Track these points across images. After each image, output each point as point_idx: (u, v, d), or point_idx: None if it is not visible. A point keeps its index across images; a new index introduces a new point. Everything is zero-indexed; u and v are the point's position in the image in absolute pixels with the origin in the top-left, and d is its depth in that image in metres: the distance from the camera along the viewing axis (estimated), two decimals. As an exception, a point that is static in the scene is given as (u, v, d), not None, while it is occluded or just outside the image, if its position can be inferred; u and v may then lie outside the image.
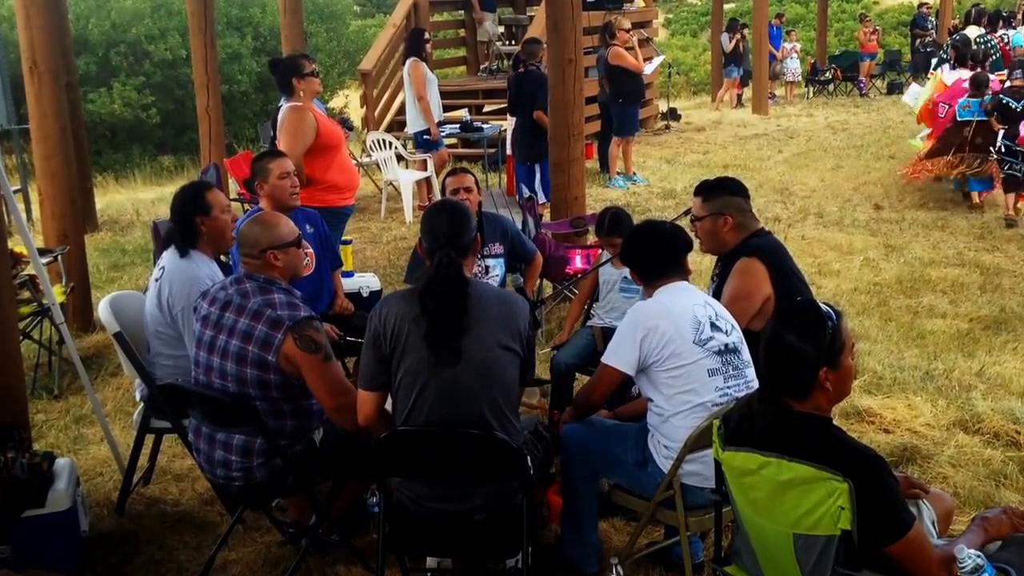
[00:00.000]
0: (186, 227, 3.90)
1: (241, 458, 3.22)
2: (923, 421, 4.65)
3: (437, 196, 9.99)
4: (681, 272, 3.36)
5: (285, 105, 5.70)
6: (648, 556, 3.54)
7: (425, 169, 9.86)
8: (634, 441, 3.29)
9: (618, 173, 11.52)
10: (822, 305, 2.48)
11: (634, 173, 11.63)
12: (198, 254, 3.89)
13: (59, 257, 5.94)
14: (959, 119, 9.22)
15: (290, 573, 3.36)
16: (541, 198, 8.11)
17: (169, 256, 3.93)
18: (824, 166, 12.41)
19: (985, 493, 3.96)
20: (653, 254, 3.34)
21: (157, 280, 3.91)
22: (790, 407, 2.44)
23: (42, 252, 5.61)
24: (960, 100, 9.30)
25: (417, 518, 3.04)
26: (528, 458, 3.09)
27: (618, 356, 3.20)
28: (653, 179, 11.64)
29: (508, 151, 9.36)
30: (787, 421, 2.43)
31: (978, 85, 9.18)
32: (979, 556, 2.27)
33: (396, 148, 10.21)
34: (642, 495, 3.28)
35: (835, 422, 4.54)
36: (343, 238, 5.80)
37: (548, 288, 6.22)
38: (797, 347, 2.39)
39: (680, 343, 3.12)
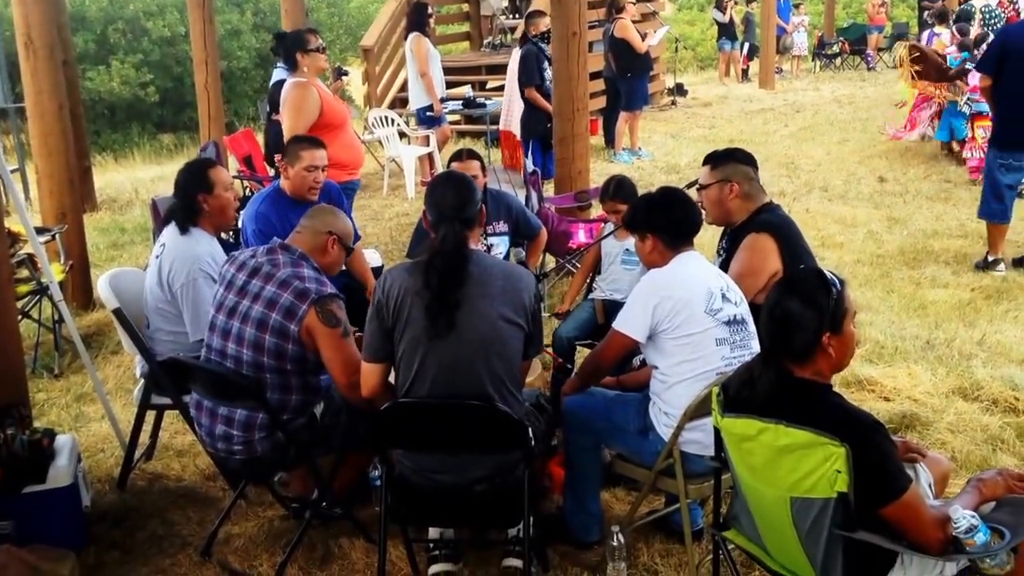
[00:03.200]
0: (188, 204, 3.93)
1: (243, 432, 3.26)
2: (923, 389, 4.68)
3: (440, 170, 10.01)
4: (692, 243, 3.38)
5: (289, 81, 5.69)
6: (649, 524, 3.58)
7: (428, 145, 9.87)
8: (636, 410, 3.32)
9: (623, 148, 11.51)
10: (827, 272, 2.51)
11: (639, 148, 11.62)
12: (199, 231, 3.92)
13: (57, 236, 5.97)
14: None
15: (292, 546, 3.40)
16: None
17: (170, 233, 3.95)
18: (830, 140, 12.39)
19: (982, 458, 4.00)
20: (680, 216, 3.32)
21: (158, 257, 3.93)
22: (791, 372, 2.47)
23: (40, 231, 5.66)
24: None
25: (419, 489, 3.07)
26: (530, 429, 3.14)
27: (629, 322, 3.23)
28: (658, 154, 11.63)
29: (500, 125, 9.33)
30: (787, 386, 2.46)
31: (962, 48, 9.81)
32: (973, 517, 2.31)
33: (398, 124, 10.21)
34: (643, 464, 3.31)
35: (838, 390, 4.66)
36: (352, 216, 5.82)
37: (551, 262, 6.24)
38: (800, 311, 2.42)
39: (692, 312, 3.14)
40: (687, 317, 3.14)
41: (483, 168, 4.81)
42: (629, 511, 3.49)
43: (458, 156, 4.85)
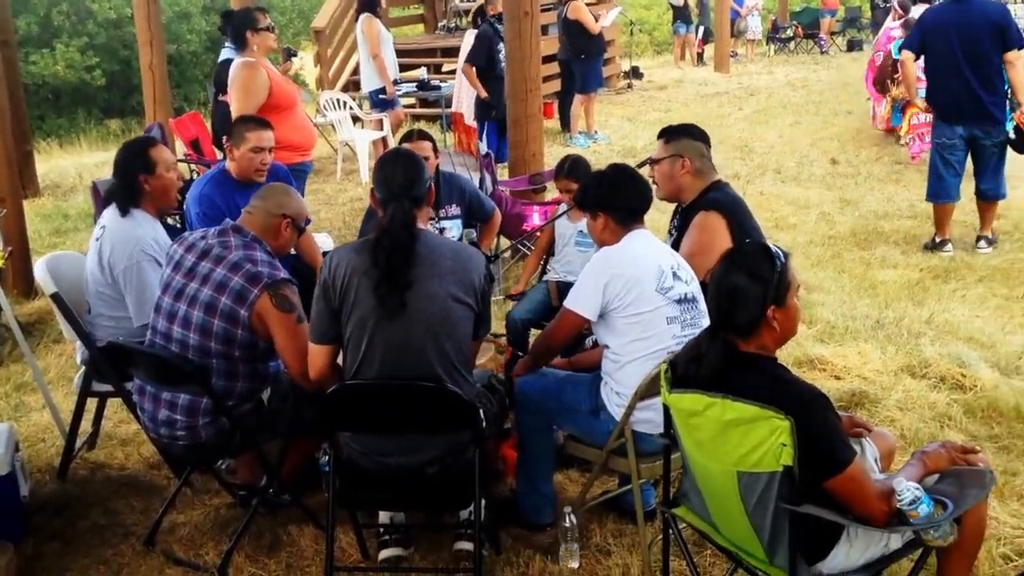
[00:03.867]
0: (128, 185, 3.81)
1: (186, 417, 3.19)
2: (872, 367, 4.74)
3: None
4: (643, 221, 3.38)
5: (237, 60, 5.58)
6: (602, 504, 3.59)
7: (381, 128, 9.77)
8: (587, 390, 3.31)
9: (579, 131, 11.50)
10: (771, 246, 2.52)
11: (595, 131, 11.63)
12: (140, 213, 3.82)
13: (-3, 219, 5.83)
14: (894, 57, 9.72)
15: (239, 534, 3.34)
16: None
17: (110, 215, 3.85)
18: (783, 122, 12.50)
19: (930, 434, 4.06)
20: (630, 193, 3.31)
21: (97, 239, 3.83)
22: (736, 347, 2.48)
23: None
24: (894, 42, 9.69)
25: (368, 473, 3.04)
26: (481, 411, 3.12)
27: (580, 301, 3.21)
28: (614, 137, 11.65)
29: (452, 108, 9.28)
30: (733, 361, 2.47)
31: (906, 27, 9.72)
32: (917, 489, 2.33)
33: (351, 108, 10.09)
34: (595, 444, 3.31)
35: (781, 363, 4.70)
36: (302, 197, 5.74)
37: (505, 245, 6.21)
38: (746, 285, 2.43)
39: (643, 290, 3.13)
40: (638, 295, 3.13)
41: (435, 149, 4.76)
42: (581, 492, 3.49)
43: (409, 137, 4.80)
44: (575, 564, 3.30)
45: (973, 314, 5.52)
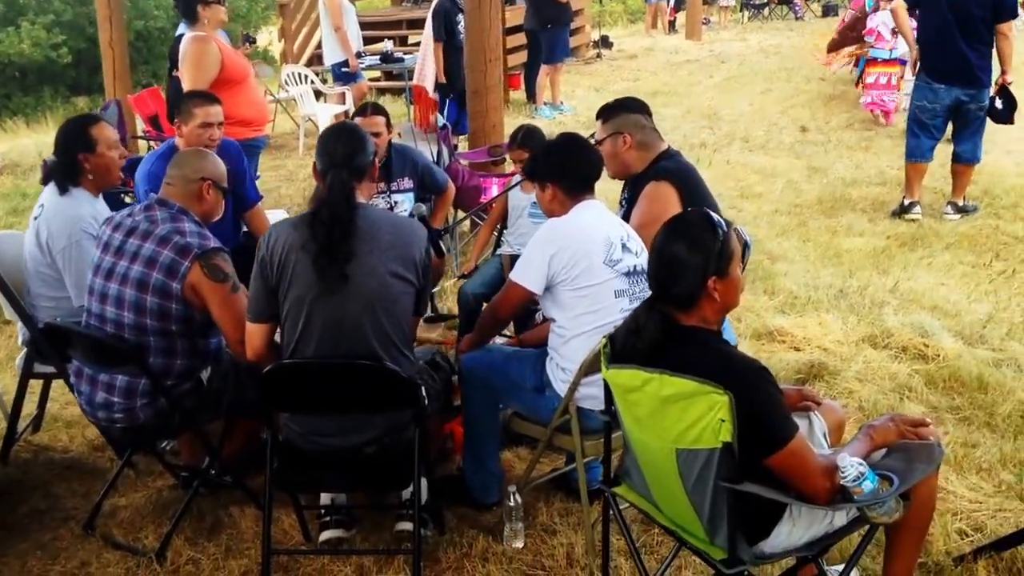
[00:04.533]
0: (68, 163, 3.68)
1: (124, 399, 3.09)
2: (833, 338, 4.68)
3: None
4: (593, 191, 3.28)
5: (187, 34, 5.44)
6: (550, 483, 3.51)
7: (344, 103, 9.60)
8: (532, 366, 3.22)
9: (545, 103, 11.36)
10: (712, 215, 2.42)
11: (561, 103, 11.50)
12: (80, 191, 3.69)
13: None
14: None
15: (177, 517, 3.25)
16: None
17: (49, 193, 3.72)
18: (754, 90, 12.41)
19: (889, 406, 3.99)
20: (579, 162, 3.20)
21: (36, 218, 3.71)
22: (676, 320, 2.38)
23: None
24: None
25: (307, 454, 2.95)
26: (423, 389, 3.03)
27: (526, 274, 3.12)
28: (580, 108, 11.52)
29: (414, 80, 9.11)
30: (672, 335, 2.38)
31: None
32: (861, 464, 2.25)
33: (313, 82, 9.91)
34: (539, 421, 3.23)
35: (746, 342, 4.63)
36: (255, 173, 5.59)
37: (468, 221, 6.09)
38: (686, 255, 2.34)
39: (590, 263, 3.05)
40: (585, 268, 3.04)
41: (388, 124, 4.63)
42: (526, 470, 3.40)
43: (362, 111, 4.66)
44: (519, 544, 3.22)
45: (938, 282, 5.47)
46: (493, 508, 3.40)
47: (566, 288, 3.05)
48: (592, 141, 3.51)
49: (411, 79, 10.55)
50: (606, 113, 3.68)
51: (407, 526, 3.22)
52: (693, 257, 2.34)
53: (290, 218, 2.96)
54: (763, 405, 2.22)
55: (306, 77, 9.89)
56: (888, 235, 6.38)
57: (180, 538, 3.29)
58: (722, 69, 14.16)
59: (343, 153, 2.90)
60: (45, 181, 3.77)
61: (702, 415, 2.19)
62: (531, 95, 11.67)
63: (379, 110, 4.62)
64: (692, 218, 2.47)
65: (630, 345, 2.42)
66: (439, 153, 6.26)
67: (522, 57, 12.00)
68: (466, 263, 4.85)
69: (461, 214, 5.63)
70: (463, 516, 3.38)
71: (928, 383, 4.23)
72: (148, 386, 3.06)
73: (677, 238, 2.38)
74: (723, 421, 2.16)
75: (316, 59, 12.73)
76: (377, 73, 13.17)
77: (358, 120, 4.58)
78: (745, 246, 3.57)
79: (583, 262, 3.03)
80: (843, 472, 2.24)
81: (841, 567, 2.47)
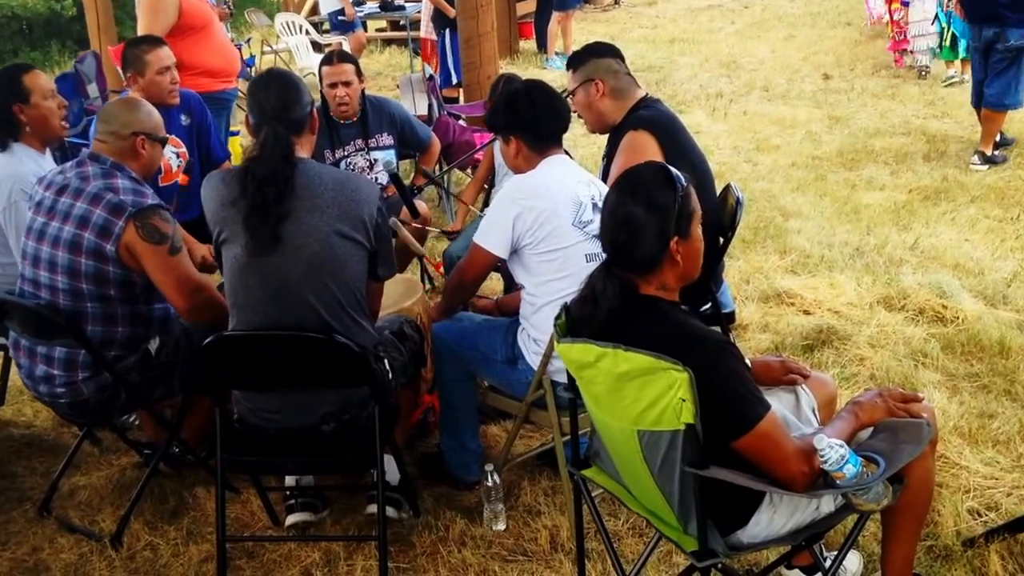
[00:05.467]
0: (4, 117, 3.54)
1: (64, 371, 2.98)
2: (845, 300, 4.49)
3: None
4: (561, 144, 3.12)
5: None
6: (537, 459, 3.39)
7: (342, 54, 9.39)
8: (503, 337, 3.09)
9: (556, 53, 11.11)
10: (668, 168, 2.26)
11: (573, 52, 11.20)
12: (21, 147, 3.55)
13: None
14: None
15: (135, 499, 3.16)
16: (454, 77, 7.69)
17: None
18: (776, 36, 12.09)
19: (903, 374, 3.82)
20: (543, 112, 3.02)
21: (-23, 180, 3.58)
22: (635, 288, 2.22)
23: None
24: None
25: (261, 433, 2.83)
26: (386, 361, 2.90)
27: (489, 237, 2.98)
28: (594, 57, 11.22)
29: (421, 32, 8.88)
30: (631, 304, 2.22)
31: None
32: (841, 446, 2.09)
33: (308, 32, 9.71)
34: (514, 395, 3.10)
35: (752, 305, 4.46)
36: (230, 129, 5.45)
37: (461, 178, 5.94)
38: (645, 214, 2.17)
39: (557, 224, 2.89)
40: (552, 230, 2.89)
41: (359, 73, 4.46)
42: (503, 448, 3.28)
43: (328, 60, 4.46)
44: (501, 526, 3.10)
45: (962, 238, 5.25)
46: (475, 487, 3.28)
47: (532, 252, 2.91)
48: (564, 94, 3.33)
49: (416, 29, 10.36)
50: (575, 61, 3.50)
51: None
52: (652, 216, 2.17)
53: (221, 171, 2.82)
54: (726, 383, 2.06)
55: (301, 27, 9.69)
56: (911, 188, 6.14)
57: (139, 521, 3.20)
58: (744, 15, 13.79)
59: (275, 104, 2.73)
60: None
61: (661, 394, 2.04)
62: (542, 45, 11.41)
63: (347, 58, 4.45)
64: (647, 172, 2.28)
65: (586, 315, 2.26)
66: (429, 105, 6.08)
67: (533, 5, 11.72)
68: (452, 224, 4.69)
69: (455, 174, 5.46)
70: (440, 496, 3.28)
71: (945, 348, 4.04)
72: (89, 358, 2.95)
73: (633, 195, 2.20)
74: (683, 400, 2.01)
75: (316, 9, 12.49)
76: (383, 23, 12.95)
77: (325, 69, 4.42)
78: (737, 203, 3.41)
79: (549, 224, 2.88)
80: (822, 455, 2.08)
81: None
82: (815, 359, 4.01)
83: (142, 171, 3.09)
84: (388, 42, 12.55)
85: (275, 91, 2.77)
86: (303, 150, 2.79)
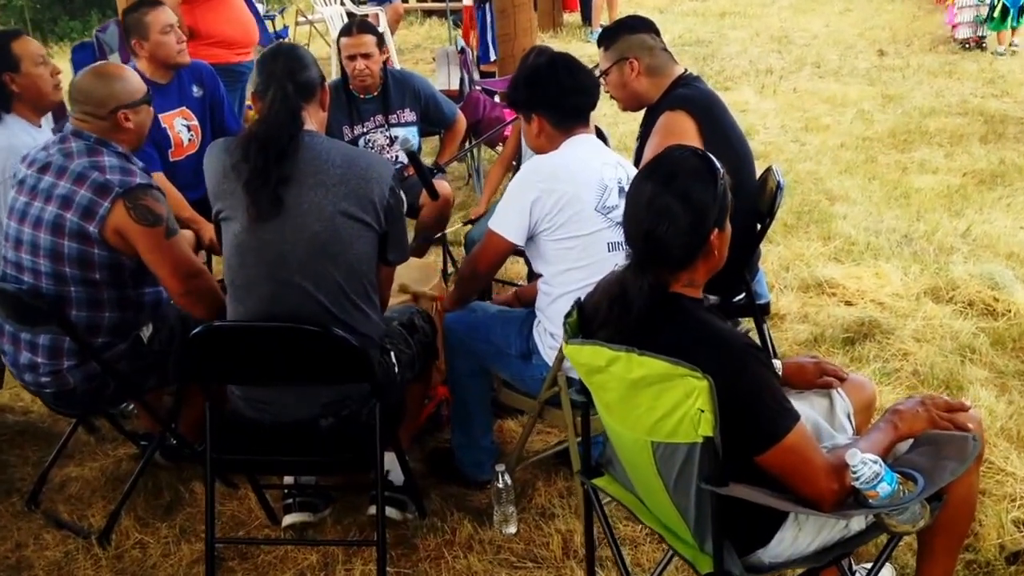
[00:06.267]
0: None
1: (49, 359, 2.85)
2: (890, 291, 4.26)
3: (394, 56, 9.40)
4: (588, 123, 2.93)
5: None
6: (553, 458, 3.22)
7: (377, 24, 9.22)
8: (517, 331, 2.91)
9: (601, 25, 10.84)
10: (700, 151, 2.07)
11: (617, 25, 10.95)
12: (14, 119, 3.42)
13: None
14: None
15: (126, 494, 3.03)
16: (493, 54, 7.48)
17: None
18: (832, 10, 11.74)
19: (948, 371, 3.60)
20: (567, 87, 2.83)
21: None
22: (666, 287, 2.03)
23: None
24: None
25: (255, 428, 2.69)
26: (392, 354, 2.75)
27: (505, 221, 2.80)
28: (638, 31, 10.96)
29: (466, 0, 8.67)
30: (658, 304, 2.02)
31: None
32: (875, 462, 1.89)
33: (344, 3, 9.56)
34: (528, 392, 2.93)
35: (791, 294, 4.24)
36: (246, 103, 5.30)
37: (490, 154, 5.76)
38: (686, 205, 1.96)
39: (579, 209, 2.71)
40: (573, 215, 2.70)
41: (380, 44, 4.28)
42: (516, 447, 3.11)
43: (347, 30, 4.27)
44: (511, 530, 2.95)
45: (1017, 225, 4.99)
46: (487, 487, 3.12)
47: (549, 239, 2.73)
48: (596, 73, 3.13)
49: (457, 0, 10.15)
50: (606, 38, 3.29)
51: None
52: (693, 207, 1.96)
53: (225, 139, 2.68)
54: (750, 391, 1.87)
55: (337, -2, 9.54)
56: (965, 172, 5.87)
57: (131, 517, 3.09)
58: (799, -14, 13.41)
59: (283, 69, 2.60)
60: None
61: (678, 403, 1.86)
62: (587, 17, 11.15)
63: (367, 28, 4.26)
64: (684, 158, 2.07)
65: (614, 317, 2.04)
66: (461, 80, 5.89)
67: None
68: (475, 208, 4.50)
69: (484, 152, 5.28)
70: (450, 496, 3.13)
71: (995, 343, 3.81)
72: (75, 345, 2.82)
73: (669, 184, 1.99)
74: (702, 411, 1.83)
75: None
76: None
77: (343, 40, 4.25)
78: (777, 188, 3.20)
79: (570, 208, 2.69)
80: (854, 472, 1.89)
81: (871, 565, 2.14)
82: (855, 353, 3.80)
83: (131, 142, 2.94)
84: (429, 13, 12.36)
85: (283, 60, 2.65)
86: (312, 122, 2.64)
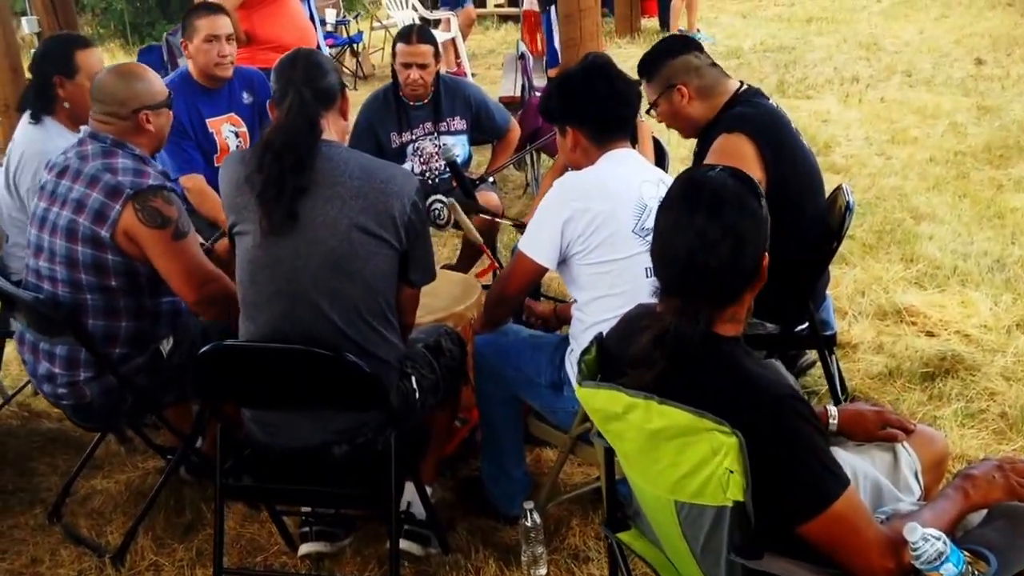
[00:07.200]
0: (42, 86, 3.34)
1: (65, 370, 2.75)
2: (977, 322, 3.91)
3: (465, 62, 9.27)
4: (628, 136, 2.71)
5: None
6: (592, 493, 2.99)
7: (449, 30, 9.12)
8: (549, 358, 2.70)
9: (680, 30, 10.55)
10: (733, 169, 1.84)
11: (698, 30, 10.65)
12: (53, 123, 3.35)
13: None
14: None
15: (143, 512, 2.92)
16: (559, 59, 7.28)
17: (22, 122, 3.41)
18: (927, 16, 11.24)
19: (1038, 416, 3.26)
20: (604, 96, 2.61)
21: (9, 153, 3.42)
22: (710, 324, 1.78)
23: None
24: None
25: (266, 453, 2.54)
26: (413, 379, 2.57)
27: (535, 243, 2.61)
28: (720, 36, 10.66)
29: (524, 4, 8.50)
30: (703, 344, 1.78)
31: None
32: (939, 538, 1.63)
33: (415, 7, 9.46)
34: (559, 426, 2.72)
35: (866, 322, 3.94)
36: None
37: (547, 163, 5.55)
38: (737, 232, 1.73)
39: (615, 229, 2.50)
40: (607, 237, 2.49)
41: (437, 55, 4.11)
42: (546, 484, 2.89)
43: (405, 37, 4.08)
44: (541, 571, 2.73)
45: (1125, 252, 4.57)
46: (517, 522, 2.90)
47: (582, 262, 2.52)
48: (644, 108, 2.89)
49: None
50: (648, 68, 3.07)
51: (404, 545, 2.77)
52: (744, 234, 1.73)
53: (241, 149, 2.54)
54: (790, 450, 1.63)
55: (407, 1, 9.43)
56: (1068, 191, 5.44)
57: (149, 535, 2.97)
58: (894, -8, 12.90)
59: (302, 74, 2.47)
60: (20, 108, 3.46)
61: (703, 460, 1.63)
62: (665, 22, 10.87)
63: (425, 36, 4.08)
64: (722, 179, 1.83)
65: (649, 360, 1.76)
66: (522, 87, 5.71)
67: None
68: (527, 217, 4.29)
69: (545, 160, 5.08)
70: (476, 530, 2.92)
71: (1097, 386, 3.45)
72: (91, 356, 2.71)
73: (714, 211, 1.74)
74: (731, 472, 1.59)
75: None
76: (501, -4, 12.66)
77: (400, 47, 4.08)
78: (847, 209, 2.93)
79: (605, 229, 2.48)
80: (914, 549, 1.63)
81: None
82: (935, 390, 3.48)
83: (151, 145, 2.85)
84: (504, 18, 12.22)
85: (302, 64, 2.52)
86: (332, 131, 2.49)
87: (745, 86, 3.04)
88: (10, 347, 3.48)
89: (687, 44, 3.05)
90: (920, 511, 1.79)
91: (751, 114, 2.93)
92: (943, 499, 1.82)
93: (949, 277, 4.38)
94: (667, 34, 10.50)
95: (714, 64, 3.04)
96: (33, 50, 6.33)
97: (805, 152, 3.02)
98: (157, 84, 2.86)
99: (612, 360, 1.91)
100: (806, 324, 3.05)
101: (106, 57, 6.19)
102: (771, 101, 3.05)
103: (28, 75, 3.84)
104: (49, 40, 3.51)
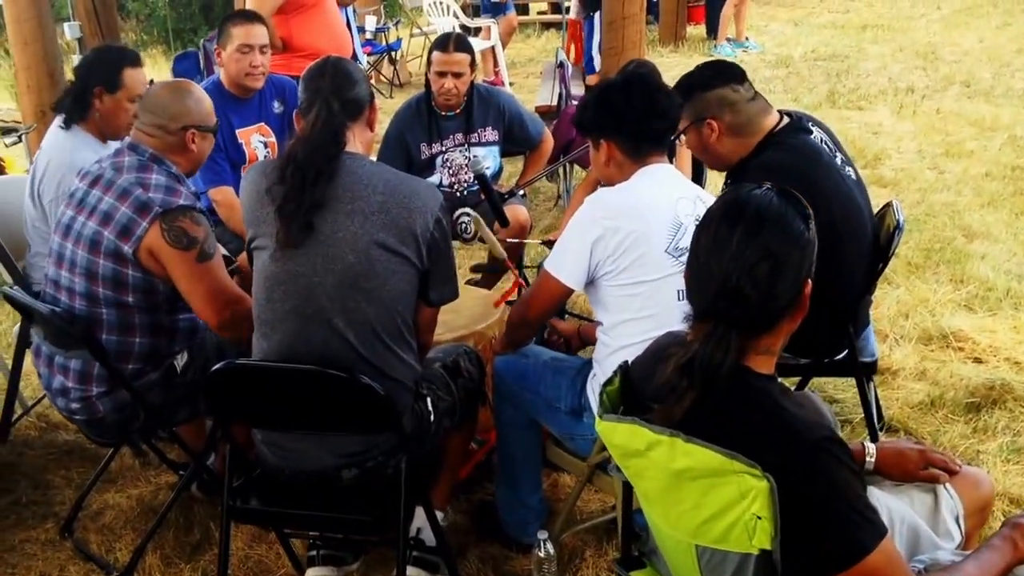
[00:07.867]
0: (82, 92, 3.32)
1: (79, 384, 2.72)
2: (1030, 348, 3.76)
3: (503, 70, 9.21)
4: (665, 150, 2.60)
5: None
6: (609, 523, 2.88)
7: (489, 38, 9.07)
8: (569, 383, 2.61)
9: (727, 38, 10.41)
10: (783, 188, 1.73)
11: (747, 38, 10.51)
12: (82, 132, 3.33)
13: (24, 137, 5.54)
14: None
15: (152, 529, 2.87)
16: (597, 64, 7.17)
17: (53, 126, 3.41)
18: (988, 24, 10.99)
19: (1096, 455, 3.10)
20: (641, 109, 2.50)
21: (34, 161, 3.40)
22: (741, 355, 1.67)
23: (5, 131, 5.25)
24: None
25: (275, 475, 2.48)
26: (428, 400, 2.49)
27: (562, 263, 2.51)
28: (770, 45, 10.50)
29: (571, 13, 8.41)
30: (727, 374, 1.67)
31: None
32: (981, 597, 1.52)
33: (457, 15, 9.41)
34: (577, 453, 2.62)
35: (909, 346, 3.79)
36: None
37: (580, 174, 5.45)
38: (781, 255, 1.63)
39: (646, 250, 2.40)
40: (638, 257, 2.39)
41: (472, 64, 4.04)
42: (561, 513, 2.80)
43: (442, 45, 4.01)
44: (554, 604, 2.63)
45: None
46: (532, 551, 2.82)
47: (610, 283, 2.42)
48: (673, 136, 2.76)
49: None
50: (680, 96, 2.92)
51: (412, 572, 2.69)
52: (788, 257, 1.63)
53: (264, 160, 2.49)
54: (824, 496, 1.52)
55: (450, 8, 9.39)
56: None
57: (157, 553, 2.92)
58: (954, 0, 12.62)
59: (330, 85, 2.41)
60: (57, 108, 3.44)
61: (729, 504, 1.53)
62: (712, 30, 10.72)
63: (462, 45, 4.01)
64: (766, 198, 1.72)
65: (678, 390, 1.65)
66: (560, 95, 5.62)
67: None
68: (556, 232, 4.20)
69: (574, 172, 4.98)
70: (488, 558, 2.84)
71: None
72: (104, 371, 2.68)
73: (760, 228, 1.64)
74: (758, 518, 1.49)
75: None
76: (544, 5, 12.58)
77: (436, 55, 4.02)
78: (896, 228, 2.80)
79: (636, 249, 2.38)
80: (954, 607, 1.52)
81: None
82: (980, 422, 3.33)
83: (188, 166, 2.83)
84: (547, 26, 12.15)
85: (331, 74, 2.45)
86: (357, 143, 2.43)
87: (785, 121, 2.86)
88: (30, 358, 3.47)
89: (726, 76, 2.85)
90: (963, 563, 1.67)
91: (782, 161, 2.74)
92: (989, 550, 1.70)
93: (1002, 300, 4.22)
94: (714, 43, 10.38)
95: (755, 97, 2.85)
96: (75, 56, 6.40)
97: (845, 193, 2.81)
98: (209, 107, 2.86)
99: (636, 392, 1.80)
100: (845, 352, 2.91)
101: (148, 62, 6.19)
102: (812, 135, 2.84)
103: (70, 77, 3.85)
104: (103, 49, 3.51)
